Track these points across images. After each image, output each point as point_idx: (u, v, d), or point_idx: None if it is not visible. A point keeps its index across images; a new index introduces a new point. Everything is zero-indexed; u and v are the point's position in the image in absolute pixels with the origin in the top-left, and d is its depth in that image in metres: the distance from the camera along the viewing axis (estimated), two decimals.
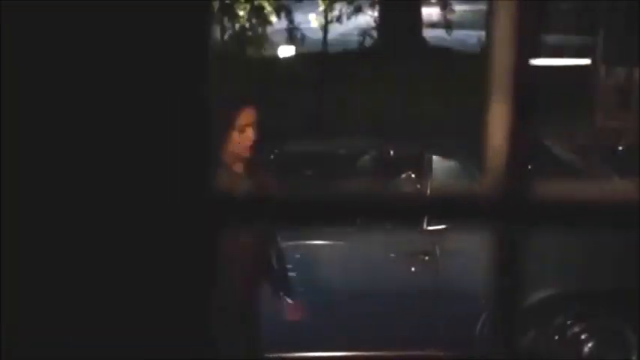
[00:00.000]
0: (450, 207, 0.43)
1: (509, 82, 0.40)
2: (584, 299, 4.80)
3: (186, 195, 0.56)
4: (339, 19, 15.36)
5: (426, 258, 4.77)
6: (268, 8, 14.57)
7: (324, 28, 15.66)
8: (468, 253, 4.63)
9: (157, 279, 0.60)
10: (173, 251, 0.58)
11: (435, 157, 4.92)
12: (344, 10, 15.28)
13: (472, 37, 15.68)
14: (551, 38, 16.18)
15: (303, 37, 15.14)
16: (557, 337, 4.78)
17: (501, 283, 0.43)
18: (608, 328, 4.78)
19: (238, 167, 3.48)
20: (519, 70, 0.40)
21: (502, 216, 0.41)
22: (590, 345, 4.77)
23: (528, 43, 0.40)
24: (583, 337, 4.78)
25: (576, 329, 4.78)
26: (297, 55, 14.30)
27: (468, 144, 4.72)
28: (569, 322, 4.77)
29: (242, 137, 3.40)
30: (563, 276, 4.78)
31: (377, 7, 15.00)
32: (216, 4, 14.48)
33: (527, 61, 0.40)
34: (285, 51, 14.56)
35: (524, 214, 0.41)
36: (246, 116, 3.40)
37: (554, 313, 4.75)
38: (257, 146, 3.43)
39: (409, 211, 0.43)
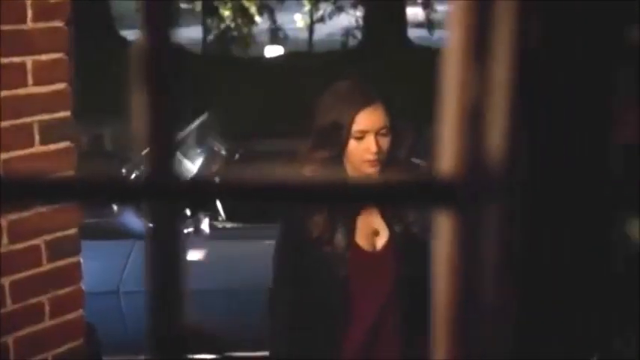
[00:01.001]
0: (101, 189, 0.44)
1: (145, 68, 0.42)
2: None
3: None
4: (323, 18, 15.41)
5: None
6: (252, 9, 14.60)
7: (310, 28, 15.69)
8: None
9: None
10: None
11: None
12: (327, 9, 15.33)
13: None
14: None
15: (287, 37, 15.20)
16: None
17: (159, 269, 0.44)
18: None
19: None
20: (154, 56, 0.42)
21: (148, 197, 0.43)
22: None
23: (161, 31, 0.42)
24: None
25: None
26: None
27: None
28: None
29: (360, 147, 2.56)
30: None
31: (360, 7, 15.04)
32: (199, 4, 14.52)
33: (162, 48, 0.42)
34: (271, 51, 14.60)
35: (166, 196, 0.43)
36: (365, 119, 2.55)
37: None
38: (383, 160, 2.55)
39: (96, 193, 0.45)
